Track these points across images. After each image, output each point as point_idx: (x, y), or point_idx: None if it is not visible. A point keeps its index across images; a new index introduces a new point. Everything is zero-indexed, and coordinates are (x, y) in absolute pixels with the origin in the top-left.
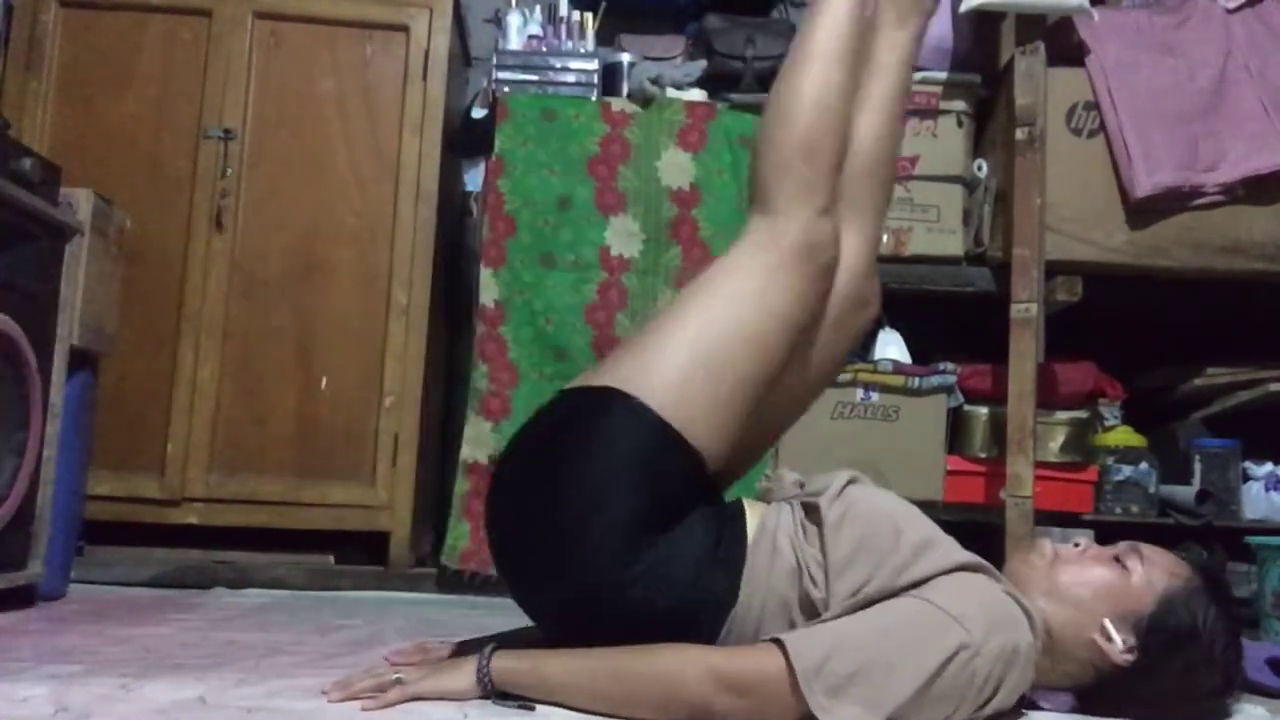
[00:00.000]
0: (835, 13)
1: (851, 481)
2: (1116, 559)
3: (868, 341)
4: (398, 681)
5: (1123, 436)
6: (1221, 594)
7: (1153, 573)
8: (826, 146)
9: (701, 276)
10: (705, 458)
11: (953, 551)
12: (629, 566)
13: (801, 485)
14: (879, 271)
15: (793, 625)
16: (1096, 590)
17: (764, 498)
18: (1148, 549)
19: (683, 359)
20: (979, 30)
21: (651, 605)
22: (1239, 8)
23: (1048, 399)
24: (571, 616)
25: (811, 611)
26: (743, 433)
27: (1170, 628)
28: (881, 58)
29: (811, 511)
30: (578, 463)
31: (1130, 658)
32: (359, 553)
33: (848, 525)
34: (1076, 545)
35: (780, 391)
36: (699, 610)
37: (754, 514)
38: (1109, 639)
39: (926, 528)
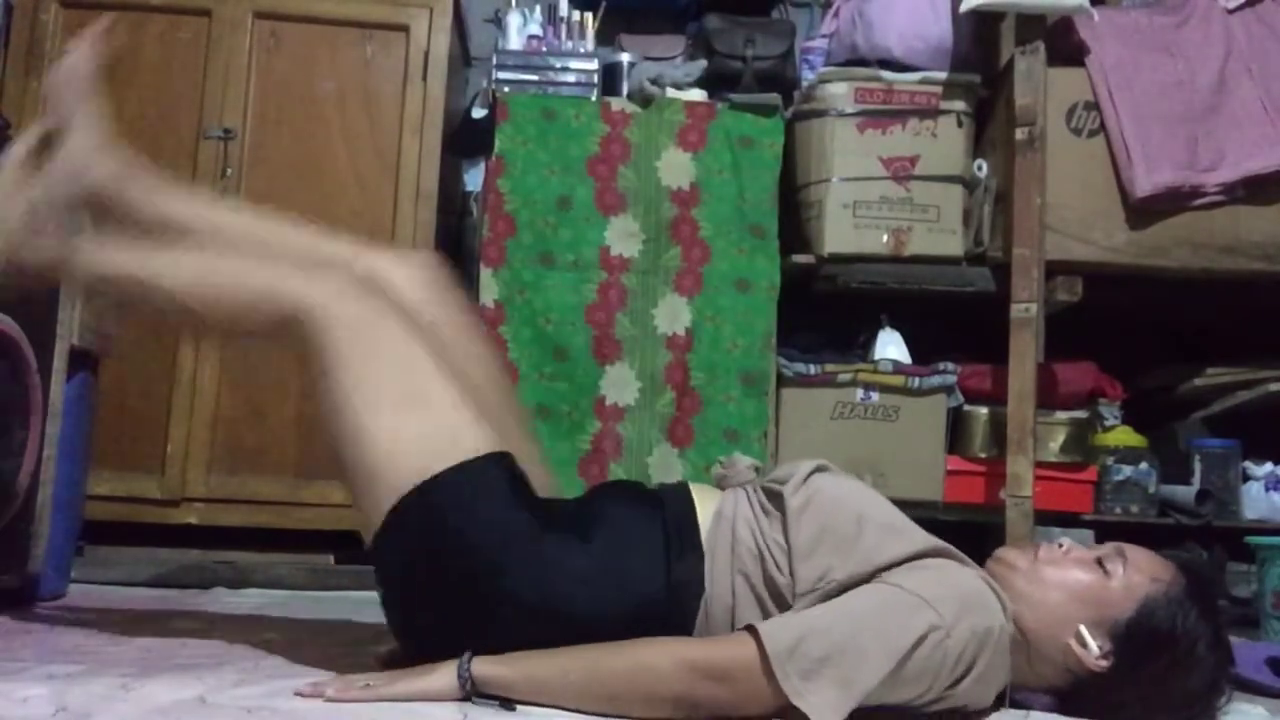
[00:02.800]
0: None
1: (818, 470)
2: (1098, 562)
3: (868, 341)
4: (365, 685)
5: (1123, 436)
6: (1206, 597)
7: (1134, 576)
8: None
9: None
10: (501, 453)
11: (919, 537)
12: (568, 595)
13: (758, 470)
14: None
15: (765, 612)
16: (1073, 594)
17: (719, 484)
18: (1132, 551)
19: (385, 438)
20: (979, 30)
21: (610, 609)
22: (1239, 8)
23: (1048, 399)
24: (540, 643)
25: (778, 596)
26: (499, 423)
27: (1147, 634)
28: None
29: (774, 498)
30: (448, 559)
31: (1105, 664)
32: (359, 553)
33: (811, 511)
34: (1060, 545)
35: (476, 384)
36: (666, 602)
37: (706, 500)
38: (1084, 645)
39: (891, 514)
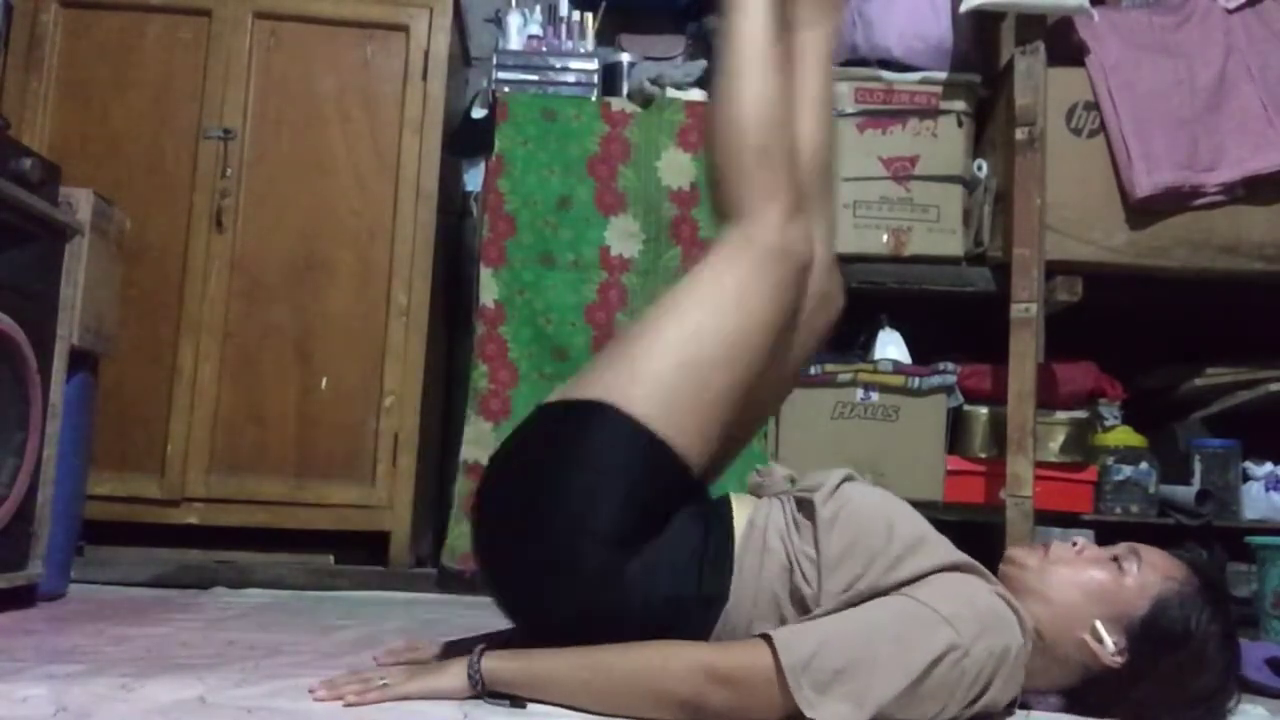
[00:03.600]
0: (754, 19)
1: (847, 479)
2: (1114, 560)
3: (868, 341)
4: (383, 684)
5: (1123, 436)
6: (1218, 597)
7: (1148, 575)
8: (777, 149)
9: (679, 285)
10: (690, 464)
11: (945, 551)
12: (615, 576)
13: (793, 481)
14: (840, 269)
15: (783, 621)
16: (1089, 591)
17: (755, 493)
18: (1146, 551)
19: (666, 368)
20: (979, 30)
21: (638, 609)
22: (1239, 8)
23: (1048, 399)
24: (559, 622)
25: (803, 607)
26: (724, 435)
27: (1162, 630)
28: (804, 59)
29: (805, 507)
30: (562, 478)
31: (1120, 659)
32: (359, 553)
33: (841, 522)
34: (1074, 545)
35: (756, 392)
36: (690, 610)
37: (742, 510)
38: (1099, 640)
39: (920, 526)
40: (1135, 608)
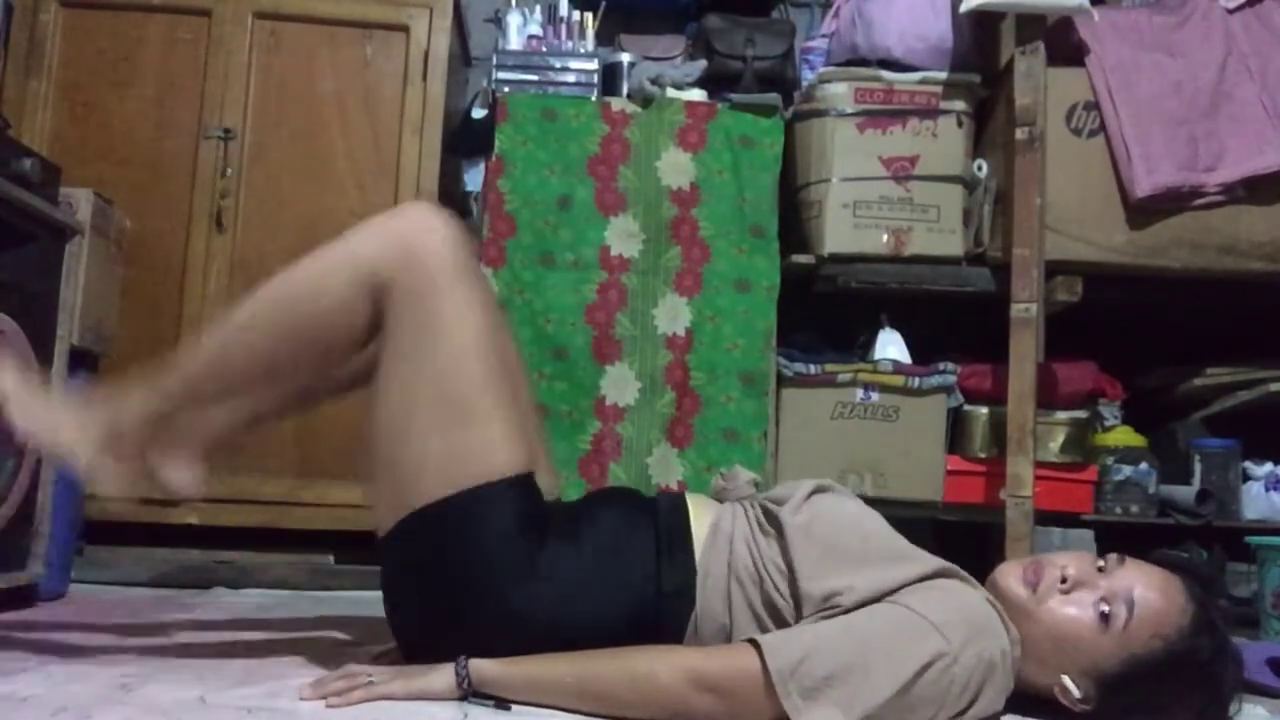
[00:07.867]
0: None
1: (818, 490)
2: (1102, 608)
3: (868, 341)
4: (369, 682)
5: (1123, 436)
6: (1209, 671)
7: (1135, 631)
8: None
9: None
10: (530, 473)
11: (925, 558)
12: (559, 603)
13: (756, 484)
14: None
15: (763, 629)
16: (1060, 643)
17: (718, 497)
18: (1144, 597)
19: (414, 437)
20: (979, 30)
21: (599, 621)
22: (1239, 8)
23: (1048, 399)
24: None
25: (776, 616)
26: (522, 425)
27: (1130, 694)
28: None
29: (771, 518)
30: (450, 574)
31: (1087, 707)
32: (359, 553)
33: (814, 532)
34: (1064, 581)
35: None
36: (658, 614)
37: (704, 513)
38: (1065, 691)
39: (894, 536)
40: (1109, 663)
